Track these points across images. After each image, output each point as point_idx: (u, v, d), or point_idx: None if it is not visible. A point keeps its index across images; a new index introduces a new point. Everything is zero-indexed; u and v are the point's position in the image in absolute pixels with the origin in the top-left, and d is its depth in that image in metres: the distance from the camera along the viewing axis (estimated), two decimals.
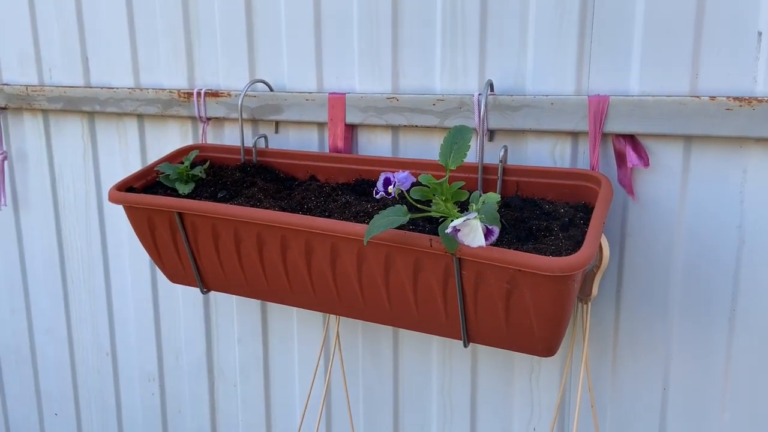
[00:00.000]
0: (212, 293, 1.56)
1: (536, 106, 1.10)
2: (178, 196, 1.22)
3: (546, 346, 0.99)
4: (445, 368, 1.31)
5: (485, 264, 0.92)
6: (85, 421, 1.88)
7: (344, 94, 1.26)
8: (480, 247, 0.84)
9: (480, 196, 0.92)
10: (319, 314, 1.42)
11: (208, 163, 1.30)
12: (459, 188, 0.90)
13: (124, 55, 1.53)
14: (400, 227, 0.94)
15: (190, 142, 1.50)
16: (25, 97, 1.65)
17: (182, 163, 1.28)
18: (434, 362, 1.32)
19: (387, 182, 0.89)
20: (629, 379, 1.16)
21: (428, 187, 0.90)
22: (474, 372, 1.29)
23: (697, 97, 1.00)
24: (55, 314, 1.83)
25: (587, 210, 1.03)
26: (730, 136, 0.99)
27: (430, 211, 0.93)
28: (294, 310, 1.45)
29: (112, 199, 1.21)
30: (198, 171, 1.26)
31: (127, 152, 1.60)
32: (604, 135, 1.08)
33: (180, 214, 1.16)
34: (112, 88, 1.54)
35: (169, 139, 1.53)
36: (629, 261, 1.11)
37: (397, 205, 0.93)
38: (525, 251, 0.91)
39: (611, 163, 1.10)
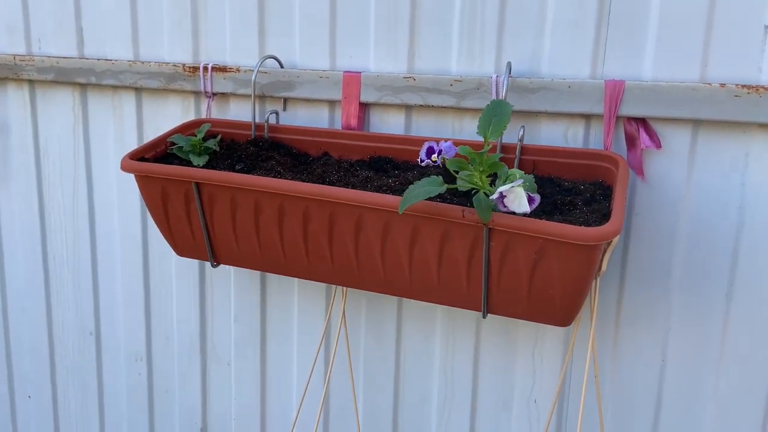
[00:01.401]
0: (209, 271, 1.55)
1: (553, 89, 1.14)
2: (191, 167, 1.22)
3: (564, 316, 1.04)
4: (447, 344, 1.35)
5: (516, 234, 0.96)
6: (62, 403, 1.83)
7: (360, 72, 1.28)
8: (523, 214, 0.88)
9: (506, 171, 0.96)
10: (322, 290, 1.44)
11: (219, 137, 1.30)
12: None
13: (123, 27, 1.50)
14: (430, 198, 0.97)
15: (192, 117, 1.49)
16: (12, 66, 1.60)
17: (194, 135, 1.28)
18: (437, 339, 1.35)
19: (431, 151, 0.91)
20: (630, 351, 1.22)
21: (466, 158, 0.93)
22: (476, 348, 1.33)
23: (708, 84, 1.06)
24: (34, 293, 1.78)
25: (604, 188, 1.08)
26: (737, 121, 1.06)
27: (462, 183, 0.97)
28: (295, 287, 1.46)
29: (126, 168, 1.20)
30: (211, 144, 1.26)
31: (122, 126, 1.57)
32: (617, 118, 1.13)
33: (198, 185, 1.16)
34: (110, 60, 1.51)
35: (168, 114, 1.51)
36: (635, 239, 1.17)
37: (433, 176, 0.96)
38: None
39: (621, 145, 1.15)
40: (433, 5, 1.23)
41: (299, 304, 1.47)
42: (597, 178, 1.12)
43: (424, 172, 1.16)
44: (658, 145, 1.11)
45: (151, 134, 1.55)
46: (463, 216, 0.97)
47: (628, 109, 1.11)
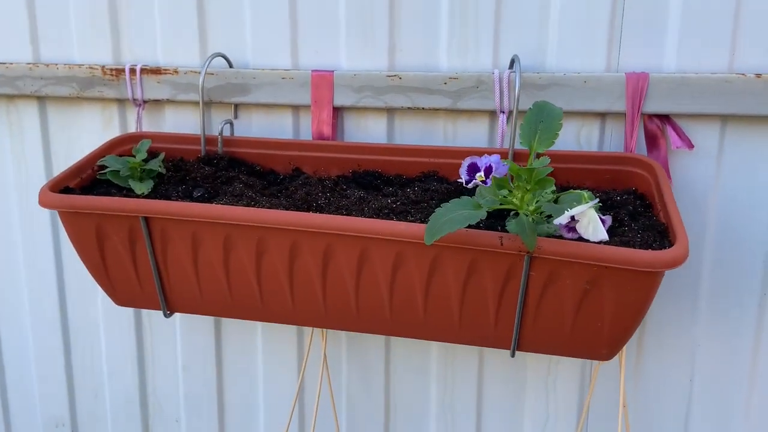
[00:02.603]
0: (146, 313, 1.29)
1: (566, 85, 1.00)
2: (133, 196, 0.97)
3: (610, 350, 0.90)
4: (446, 381, 1.18)
5: (565, 262, 0.80)
6: None
7: (332, 71, 1.07)
8: (599, 242, 0.72)
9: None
10: (292, 331, 1.22)
11: (162, 156, 1.05)
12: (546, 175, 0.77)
13: (15, 23, 1.21)
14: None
15: (115, 130, 1.22)
16: None
17: (132, 155, 1.02)
18: (433, 373, 1.18)
19: (474, 168, 0.73)
20: (655, 372, 1.10)
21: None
22: (480, 381, 1.17)
23: (741, 74, 0.95)
24: None
25: (638, 196, 0.95)
26: None
27: (492, 202, 0.80)
28: (258, 327, 1.24)
29: (47, 203, 0.93)
30: (155, 165, 1.01)
31: (22, 145, 1.28)
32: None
33: (147, 220, 0.92)
34: (3, 63, 1.21)
35: (84, 128, 1.24)
36: None
37: (465, 197, 0.78)
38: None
39: (641, 146, 1.02)
40: None
41: (264, 348, 1.24)
42: (624, 185, 0.98)
43: (426, 187, 0.98)
44: (690, 145, 0.99)
45: (62, 154, 1.26)
46: (502, 244, 0.80)
47: (652, 106, 0.98)
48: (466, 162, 0.74)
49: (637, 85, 0.98)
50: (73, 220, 0.95)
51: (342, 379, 1.22)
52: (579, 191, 0.74)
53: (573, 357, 0.92)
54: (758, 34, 0.96)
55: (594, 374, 1.07)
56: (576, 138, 1.04)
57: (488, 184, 0.72)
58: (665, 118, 1.00)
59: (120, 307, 1.28)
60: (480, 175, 0.72)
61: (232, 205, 0.92)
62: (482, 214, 0.76)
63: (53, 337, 1.35)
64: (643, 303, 0.82)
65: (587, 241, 0.74)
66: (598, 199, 0.72)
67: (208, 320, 1.26)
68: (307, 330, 1.19)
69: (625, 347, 0.95)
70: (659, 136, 1.00)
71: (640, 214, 0.89)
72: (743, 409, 1.09)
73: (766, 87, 0.94)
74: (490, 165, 0.72)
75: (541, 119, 0.78)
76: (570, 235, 0.74)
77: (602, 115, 1.03)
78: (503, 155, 1.00)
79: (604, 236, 0.72)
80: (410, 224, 0.81)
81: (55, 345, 1.36)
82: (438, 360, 1.17)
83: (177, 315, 1.27)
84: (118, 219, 0.92)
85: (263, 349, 1.24)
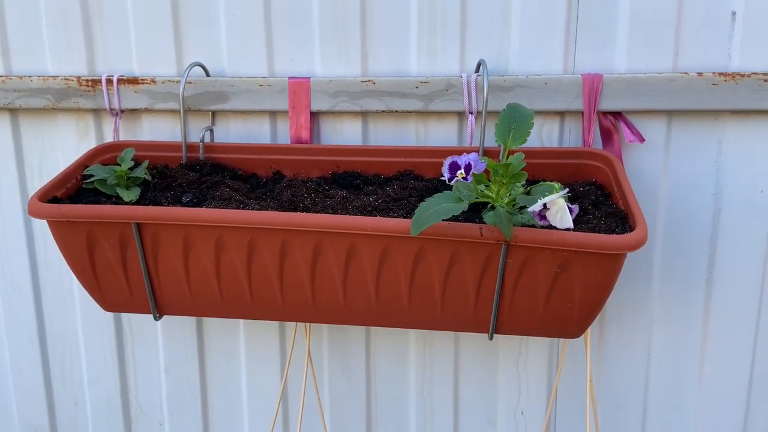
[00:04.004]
0: (125, 318, 1.31)
1: (529, 86, 1.08)
2: (121, 204, 1.00)
3: (579, 328, 0.98)
4: (425, 368, 1.24)
5: (538, 249, 0.88)
6: None
7: (308, 78, 1.13)
8: (566, 230, 0.80)
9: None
10: (273, 327, 1.27)
11: (146, 163, 1.08)
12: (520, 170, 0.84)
13: None
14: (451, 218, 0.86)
15: (92, 140, 1.24)
16: None
17: (117, 164, 1.05)
18: (412, 361, 1.24)
19: (455, 166, 0.80)
20: (616, 348, 1.20)
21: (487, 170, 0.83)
22: (456, 367, 1.24)
23: (685, 73, 1.05)
24: None
25: (598, 187, 1.03)
26: (712, 109, 1.05)
27: (470, 196, 0.87)
28: (240, 326, 1.28)
29: (36, 213, 0.95)
30: (140, 172, 1.04)
31: None
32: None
33: (139, 226, 0.95)
34: None
35: (59, 139, 1.25)
36: None
37: (447, 192, 0.85)
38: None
39: (597, 141, 1.11)
40: None
41: (247, 346, 1.28)
42: (584, 177, 1.07)
43: (404, 185, 1.04)
44: (641, 139, 1.08)
45: (36, 166, 1.27)
46: (482, 234, 0.87)
47: (606, 104, 1.07)
48: (447, 161, 0.81)
49: (593, 85, 1.06)
50: (63, 229, 0.97)
51: (324, 374, 1.27)
52: (551, 183, 0.82)
53: (546, 336, 1.00)
54: (698, 35, 1.06)
55: (562, 354, 1.16)
56: (539, 135, 1.13)
57: (469, 180, 0.79)
58: (618, 114, 1.09)
59: (98, 314, 1.31)
60: (461, 173, 0.79)
61: (223, 208, 0.96)
62: (464, 207, 0.83)
63: (30, 346, 1.36)
64: (609, 283, 0.90)
65: (555, 228, 0.82)
66: (567, 189, 0.80)
67: (189, 321, 1.29)
68: (290, 327, 1.24)
69: (589, 327, 1.04)
70: (613, 131, 1.10)
71: (601, 203, 0.98)
72: (696, 379, 1.19)
73: (707, 84, 1.04)
74: (469, 163, 0.78)
75: (514, 119, 0.85)
76: (543, 222, 0.82)
77: (561, 114, 1.12)
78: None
79: (570, 224, 0.79)
80: (400, 220, 0.88)
81: (32, 354, 1.36)
82: (416, 349, 1.24)
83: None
84: (110, 226, 0.95)
85: (246, 348, 1.28)
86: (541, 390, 1.23)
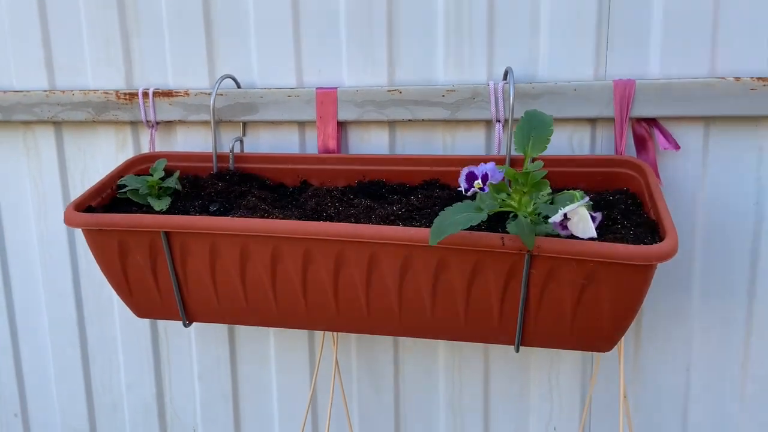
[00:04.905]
0: (162, 325, 1.34)
1: (558, 93, 1.05)
2: (152, 213, 1.02)
3: (609, 341, 0.95)
4: (454, 380, 1.23)
5: (563, 259, 0.85)
6: None
7: (335, 88, 1.13)
8: (590, 239, 0.77)
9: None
10: (303, 337, 1.27)
11: (177, 174, 1.10)
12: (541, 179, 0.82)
13: (32, 53, 1.27)
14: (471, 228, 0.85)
15: (129, 151, 1.27)
16: None
17: (149, 174, 1.08)
18: (441, 372, 1.23)
19: (472, 176, 0.79)
20: (653, 362, 1.15)
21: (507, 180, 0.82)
22: (486, 379, 1.22)
23: (721, 78, 1.01)
24: None
25: (630, 196, 1.00)
26: (751, 115, 1.01)
27: (492, 205, 0.85)
28: (271, 334, 1.29)
29: (72, 222, 0.99)
30: (172, 183, 1.07)
31: (39, 169, 1.33)
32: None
33: (168, 234, 0.97)
34: (20, 91, 1.27)
35: (99, 151, 1.29)
36: None
37: (467, 201, 0.84)
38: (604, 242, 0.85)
39: (630, 148, 1.08)
40: (412, 6, 1.11)
41: (277, 355, 1.29)
42: (616, 186, 1.04)
43: (429, 194, 1.04)
44: (677, 146, 1.05)
45: (78, 177, 1.32)
46: (503, 244, 0.86)
47: (639, 110, 1.04)
48: (464, 171, 0.80)
49: (625, 91, 1.04)
50: (97, 238, 1.00)
51: (353, 383, 1.27)
52: (571, 191, 0.80)
53: (574, 350, 0.97)
54: (736, 39, 1.02)
55: (596, 367, 1.12)
56: (569, 143, 1.10)
57: (486, 191, 0.78)
58: (652, 121, 1.06)
59: (136, 321, 1.34)
60: (478, 183, 0.78)
61: (249, 217, 0.97)
62: (483, 216, 0.81)
63: (72, 352, 1.40)
64: (637, 295, 0.87)
65: (578, 238, 0.79)
66: (588, 198, 0.78)
67: (222, 330, 1.31)
68: (318, 336, 1.25)
69: (623, 340, 1.01)
70: (647, 138, 1.06)
71: (632, 212, 0.95)
72: (738, 396, 1.14)
73: (745, 89, 1.00)
74: (486, 173, 0.77)
75: (533, 126, 0.83)
76: (565, 232, 0.80)
77: (593, 121, 1.09)
78: (501, 162, 1.06)
79: (593, 234, 0.77)
80: (420, 229, 0.87)
81: (74, 360, 1.40)
82: (445, 360, 1.22)
83: (192, 326, 1.32)
84: (141, 234, 0.98)
85: (276, 357, 1.29)
86: (575, 404, 1.20)
